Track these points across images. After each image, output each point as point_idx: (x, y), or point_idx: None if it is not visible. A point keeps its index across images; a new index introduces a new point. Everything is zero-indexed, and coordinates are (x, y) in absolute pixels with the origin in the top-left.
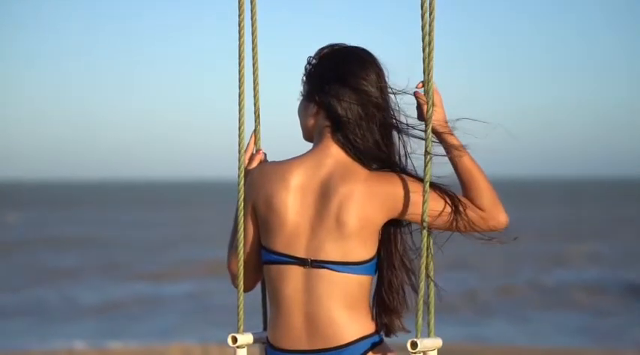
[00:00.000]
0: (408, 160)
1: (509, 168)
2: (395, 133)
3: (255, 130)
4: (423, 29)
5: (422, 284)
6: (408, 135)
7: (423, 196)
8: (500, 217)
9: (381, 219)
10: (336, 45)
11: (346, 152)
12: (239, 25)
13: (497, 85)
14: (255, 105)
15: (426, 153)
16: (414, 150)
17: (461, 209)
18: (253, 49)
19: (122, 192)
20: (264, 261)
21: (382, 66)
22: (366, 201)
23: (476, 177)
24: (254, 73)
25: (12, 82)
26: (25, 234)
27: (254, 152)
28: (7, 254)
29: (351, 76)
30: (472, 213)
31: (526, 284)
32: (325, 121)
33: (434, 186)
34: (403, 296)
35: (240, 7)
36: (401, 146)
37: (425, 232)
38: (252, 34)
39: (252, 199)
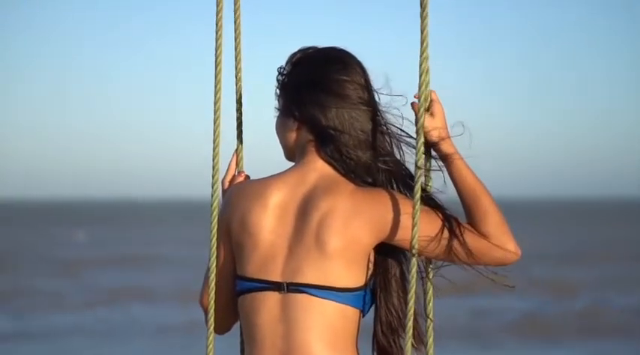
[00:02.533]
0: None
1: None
2: (390, 143)
3: (237, 149)
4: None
5: (409, 324)
6: (406, 144)
7: (413, 218)
8: (508, 246)
9: (368, 241)
10: (309, 48)
11: (334, 167)
12: (216, 24)
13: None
14: (237, 119)
15: (417, 167)
16: (417, 163)
17: (458, 233)
18: (236, 48)
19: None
20: (237, 291)
21: (364, 66)
22: (350, 218)
23: (479, 197)
24: (236, 80)
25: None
26: (94, 252)
27: (235, 174)
28: (77, 272)
29: (333, 80)
30: (473, 240)
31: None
32: (308, 136)
33: (429, 206)
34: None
35: (218, 4)
36: (393, 150)
37: (414, 261)
38: (235, 31)
39: (226, 221)
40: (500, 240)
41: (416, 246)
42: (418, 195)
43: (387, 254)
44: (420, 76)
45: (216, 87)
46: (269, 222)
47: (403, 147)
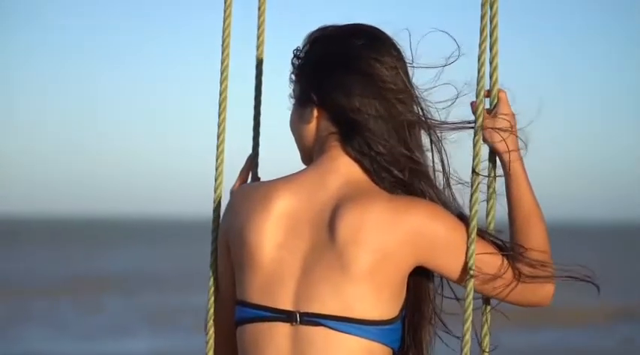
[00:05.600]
0: (441, 180)
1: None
2: (425, 140)
3: (252, 155)
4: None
5: None
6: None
7: (469, 235)
8: (548, 286)
9: (406, 261)
10: (330, 26)
11: (362, 166)
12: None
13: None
14: (255, 119)
15: (473, 172)
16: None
17: (514, 275)
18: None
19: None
20: (236, 319)
21: (397, 44)
22: (387, 233)
23: (533, 226)
24: (258, 71)
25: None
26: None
27: (251, 181)
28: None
29: (359, 58)
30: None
31: None
32: (329, 127)
33: (481, 237)
34: None
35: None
36: (433, 156)
37: (471, 286)
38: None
39: (225, 233)
40: (539, 278)
41: (473, 268)
42: (476, 208)
43: (419, 279)
44: (480, 66)
45: (223, 64)
46: (275, 235)
47: (442, 147)
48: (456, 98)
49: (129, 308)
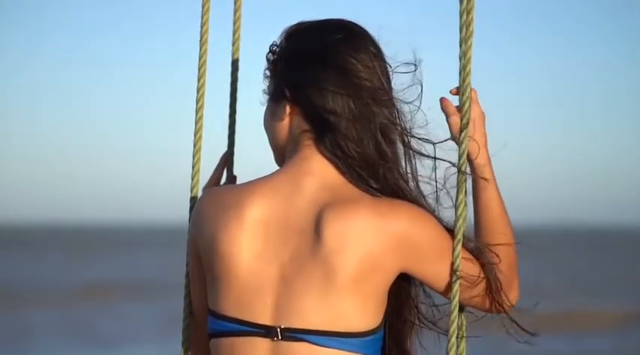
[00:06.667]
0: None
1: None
2: (398, 143)
3: (228, 152)
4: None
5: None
6: (417, 153)
7: (453, 238)
8: (512, 293)
9: (391, 268)
10: (306, 21)
11: (337, 167)
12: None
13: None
14: (230, 116)
15: (459, 171)
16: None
17: (494, 285)
18: (234, 34)
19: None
20: (209, 331)
21: (377, 42)
22: (372, 238)
23: (500, 233)
24: (232, 67)
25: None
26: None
27: (223, 181)
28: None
29: (334, 53)
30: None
31: None
32: (302, 124)
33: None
34: None
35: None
36: (406, 162)
37: (456, 288)
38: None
39: (194, 242)
40: (508, 285)
41: (459, 269)
42: (461, 209)
43: (400, 284)
44: (462, 63)
45: (201, 49)
46: (250, 245)
47: (411, 149)
48: (421, 96)
49: (143, 314)
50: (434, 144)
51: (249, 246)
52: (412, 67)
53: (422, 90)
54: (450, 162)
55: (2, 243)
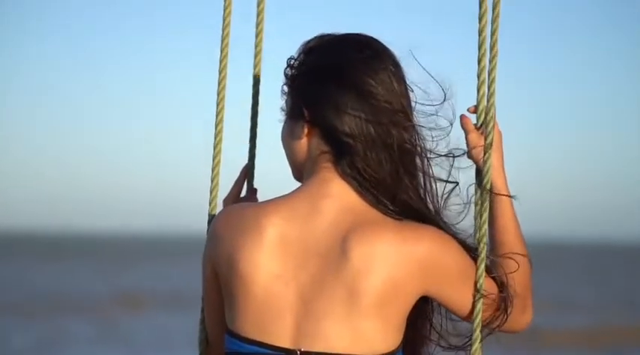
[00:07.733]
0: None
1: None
2: (419, 166)
3: (248, 165)
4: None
5: None
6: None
7: (474, 258)
8: (527, 313)
9: (415, 292)
10: (327, 35)
11: (356, 190)
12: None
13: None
14: (251, 130)
15: (483, 190)
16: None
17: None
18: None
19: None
20: (226, 350)
21: (399, 62)
22: (397, 262)
23: (518, 250)
24: (255, 73)
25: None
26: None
27: (246, 192)
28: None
29: (353, 72)
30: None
31: None
32: (321, 145)
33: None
34: None
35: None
36: (426, 185)
37: (480, 304)
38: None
39: (211, 261)
40: (521, 305)
41: (482, 288)
42: (485, 227)
43: (417, 302)
44: (482, 81)
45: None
46: (269, 266)
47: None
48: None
49: (177, 324)
50: (452, 162)
51: (268, 267)
52: (442, 97)
53: (453, 122)
54: (473, 182)
55: (39, 252)
